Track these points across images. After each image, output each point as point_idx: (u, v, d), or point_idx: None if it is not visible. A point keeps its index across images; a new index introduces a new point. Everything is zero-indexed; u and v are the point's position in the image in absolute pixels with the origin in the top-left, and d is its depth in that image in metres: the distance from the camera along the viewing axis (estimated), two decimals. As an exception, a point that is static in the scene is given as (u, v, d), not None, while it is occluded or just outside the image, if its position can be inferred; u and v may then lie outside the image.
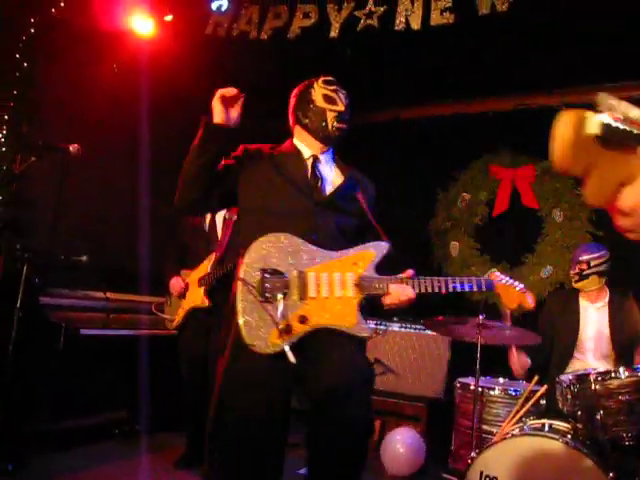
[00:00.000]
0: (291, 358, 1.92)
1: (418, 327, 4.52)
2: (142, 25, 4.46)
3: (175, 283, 3.98)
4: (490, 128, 5.18)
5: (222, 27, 4.17)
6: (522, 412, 2.96)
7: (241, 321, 1.98)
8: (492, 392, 3.42)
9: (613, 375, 2.60)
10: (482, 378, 3.46)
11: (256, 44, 4.01)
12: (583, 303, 3.65)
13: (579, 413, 2.68)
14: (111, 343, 4.10)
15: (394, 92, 5.00)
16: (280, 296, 1.99)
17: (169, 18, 4.52)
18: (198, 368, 3.84)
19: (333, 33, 3.72)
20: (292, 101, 2.37)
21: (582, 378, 2.69)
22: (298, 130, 2.36)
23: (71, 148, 3.16)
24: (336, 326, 2.02)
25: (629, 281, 4.13)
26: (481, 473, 2.63)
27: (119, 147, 4.64)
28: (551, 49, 4.15)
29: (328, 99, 2.26)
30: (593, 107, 0.91)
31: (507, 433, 2.77)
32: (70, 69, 4.30)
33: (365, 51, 4.27)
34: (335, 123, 2.25)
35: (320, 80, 2.30)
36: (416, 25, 3.49)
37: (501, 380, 3.73)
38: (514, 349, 3.58)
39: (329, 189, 2.27)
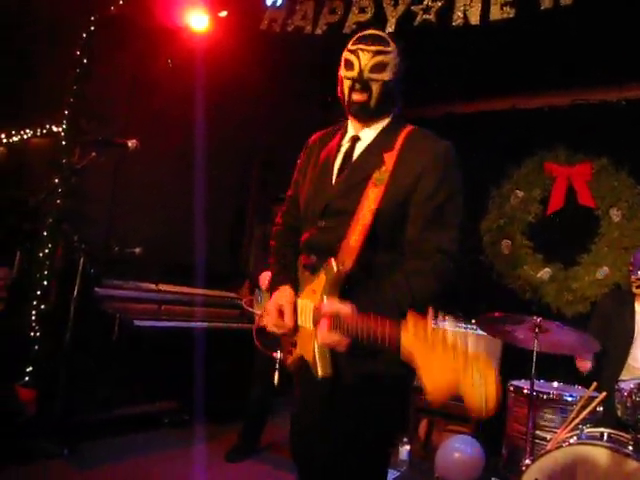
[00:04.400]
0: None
1: (468, 326, 4.44)
2: (197, 21, 4.51)
3: (265, 276, 3.93)
4: (545, 124, 5.05)
5: (277, 23, 4.18)
6: (579, 419, 2.87)
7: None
8: (546, 397, 3.31)
9: (677, 384, 2.51)
10: (535, 382, 3.38)
11: (311, 39, 3.99)
12: (638, 307, 3.52)
13: None
14: (163, 334, 4.15)
15: (447, 87, 4.91)
16: None
17: (224, 14, 4.56)
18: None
19: (389, 28, 3.66)
20: None
21: (644, 386, 2.61)
22: None
23: (129, 143, 3.21)
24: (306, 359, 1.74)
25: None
26: (536, 481, 2.58)
27: (175, 141, 4.70)
28: (613, 43, 4.00)
29: (346, 64, 1.75)
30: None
31: (563, 440, 2.70)
32: (128, 65, 4.38)
33: (420, 46, 4.19)
34: (351, 94, 1.74)
35: (353, 38, 1.79)
36: (475, 20, 3.40)
37: (555, 384, 3.63)
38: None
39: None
